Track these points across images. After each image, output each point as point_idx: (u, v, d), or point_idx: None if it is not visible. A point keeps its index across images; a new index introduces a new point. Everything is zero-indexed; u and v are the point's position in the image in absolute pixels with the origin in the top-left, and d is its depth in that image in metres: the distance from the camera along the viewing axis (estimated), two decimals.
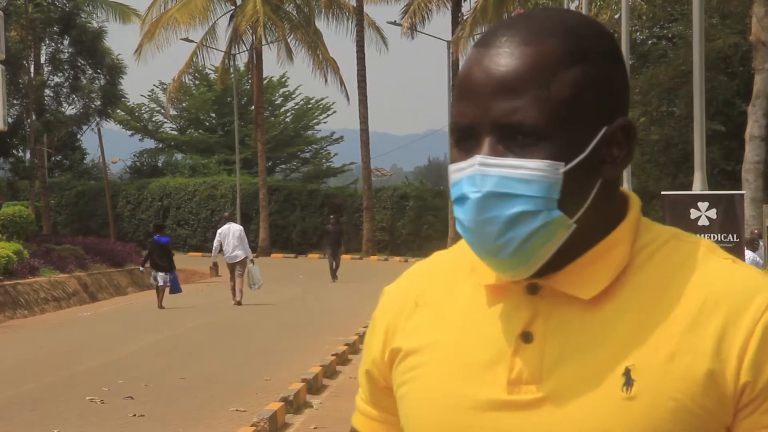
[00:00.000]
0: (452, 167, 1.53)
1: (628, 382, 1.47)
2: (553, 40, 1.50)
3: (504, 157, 1.49)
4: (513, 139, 1.49)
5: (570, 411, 1.48)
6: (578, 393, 1.48)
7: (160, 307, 24.82)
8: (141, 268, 27.93)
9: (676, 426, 1.45)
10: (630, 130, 1.54)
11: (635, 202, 1.58)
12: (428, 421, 1.57)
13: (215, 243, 26.38)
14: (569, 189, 1.49)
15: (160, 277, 25.00)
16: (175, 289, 25.25)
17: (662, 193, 13.21)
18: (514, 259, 1.50)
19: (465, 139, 1.52)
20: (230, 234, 25.78)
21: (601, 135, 1.51)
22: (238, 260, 25.73)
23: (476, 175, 1.49)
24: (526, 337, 1.53)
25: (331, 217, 38.13)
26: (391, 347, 1.64)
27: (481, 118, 1.50)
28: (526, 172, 1.48)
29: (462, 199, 1.51)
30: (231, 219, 27.20)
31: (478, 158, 1.49)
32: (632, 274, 1.53)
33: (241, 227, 26.80)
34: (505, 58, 1.50)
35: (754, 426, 1.47)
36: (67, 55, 47.17)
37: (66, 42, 46.99)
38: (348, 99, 50.65)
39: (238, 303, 25.55)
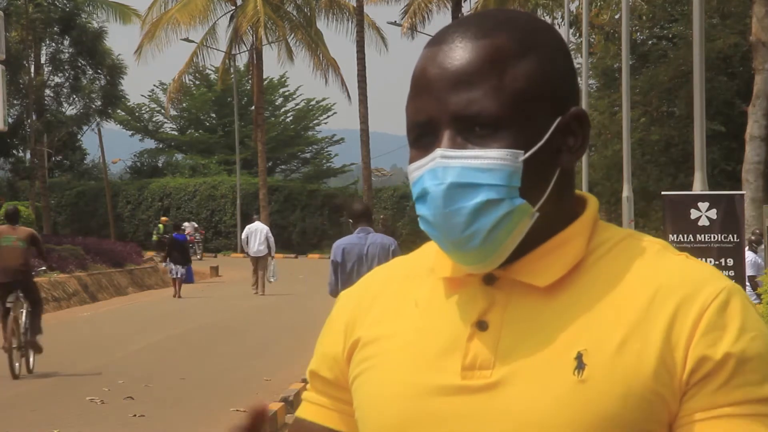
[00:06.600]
0: (412, 166, 1.55)
1: (580, 365, 1.49)
2: (504, 33, 1.54)
3: (464, 148, 1.51)
4: (471, 131, 1.51)
5: (522, 393, 1.50)
6: (531, 376, 1.50)
7: (178, 296, 27.90)
8: (163, 263, 30.60)
9: (626, 410, 1.47)
10: (583, 118, 1.58)
11: (593, 202, 1.61)
12: (382, 409, 1.58)
13: (243, 237, 30.78)
14: (530, 177, 1.52)
15: (178, 269, 28.18)
16: (189, 279, 28.44)
17: (662, 193, 13.19)
18: (481, 250, 1.52)
19: (423, 136, 1.55)
20: (257, 232, 29.58)
21: (556, 124, 1.54)
22: (262, 255, 29.49)
23: (438, 168, 1.51)
24: (482, 325, 1.55)
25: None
26: (352, 340, 1.65)
27: (438, 112, 1.52)
28: (488, 162, 1.50)
29: (425, 194, 1.52)
30: (258, 220, 31.51)
31: (438, 151, 1.51)
32: (588, 267, 1.55)
33: (267, 227, 30.82)
34: (458, 53, 1.53)
35: (699, 406, 1.48)
36: (67, 55, 47.23)
37: (66, 42, 47.05)
38: (350, 98, 50.64)
39: (261, 294, 28.93)
